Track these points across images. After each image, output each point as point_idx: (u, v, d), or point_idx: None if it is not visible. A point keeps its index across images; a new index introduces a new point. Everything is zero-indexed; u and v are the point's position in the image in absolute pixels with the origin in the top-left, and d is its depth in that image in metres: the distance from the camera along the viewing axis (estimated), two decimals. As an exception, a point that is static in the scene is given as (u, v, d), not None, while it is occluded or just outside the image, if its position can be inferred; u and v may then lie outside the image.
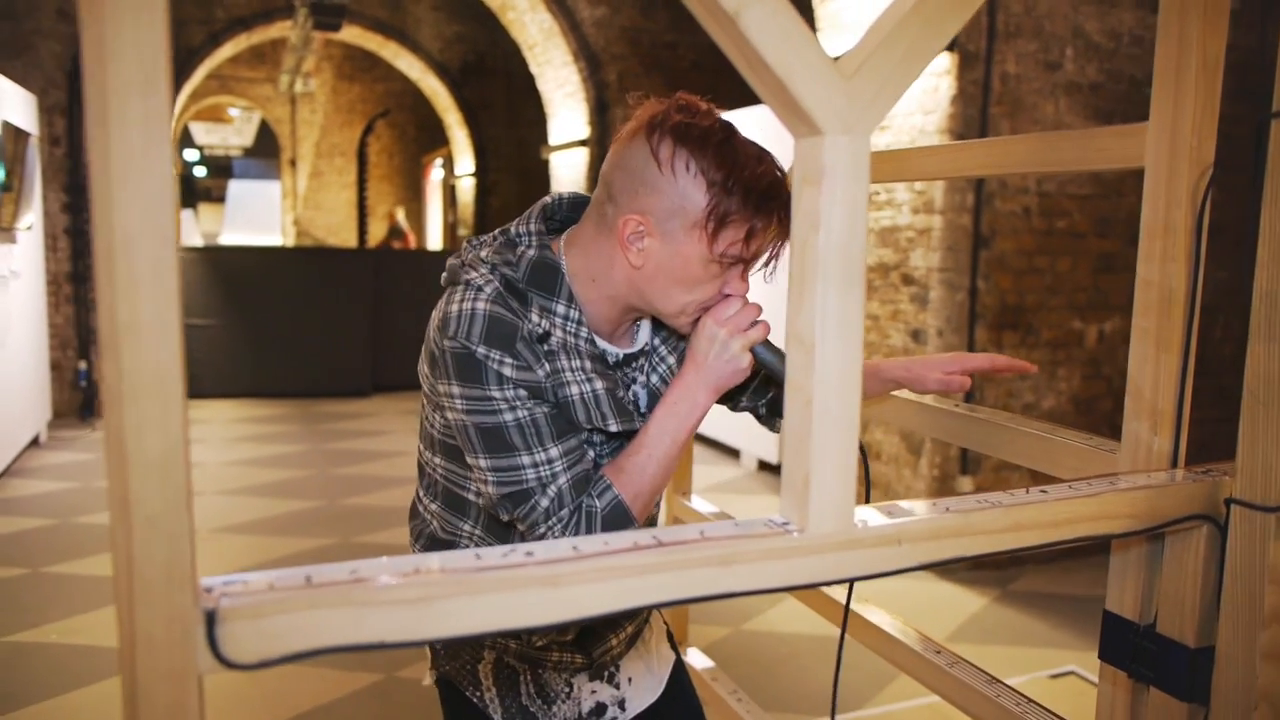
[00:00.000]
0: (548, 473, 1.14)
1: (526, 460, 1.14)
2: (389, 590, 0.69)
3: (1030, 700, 1.25)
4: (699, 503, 2.19)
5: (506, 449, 1.13)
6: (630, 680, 1.41)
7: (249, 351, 7.85)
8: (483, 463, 1.15)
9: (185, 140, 20.57)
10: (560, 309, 1.18)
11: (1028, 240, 4.10)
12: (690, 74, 8.24)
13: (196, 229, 21.05)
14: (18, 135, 5.24)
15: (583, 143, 8.15)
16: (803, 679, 3.10)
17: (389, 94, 16.08)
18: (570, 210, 1.28)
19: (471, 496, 1.25)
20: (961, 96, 3.89)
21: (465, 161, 13.86)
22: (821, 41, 4.68)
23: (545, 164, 9.20)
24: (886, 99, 0.78)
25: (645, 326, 1.29)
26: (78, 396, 6.74)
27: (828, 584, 0.83)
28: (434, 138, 15.34)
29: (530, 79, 9.02)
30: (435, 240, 16.97)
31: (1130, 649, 1.08)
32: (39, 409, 6.00)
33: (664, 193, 1.12)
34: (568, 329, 1.18)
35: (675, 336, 1.29)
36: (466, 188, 14.13)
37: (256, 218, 20.84)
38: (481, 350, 1.12)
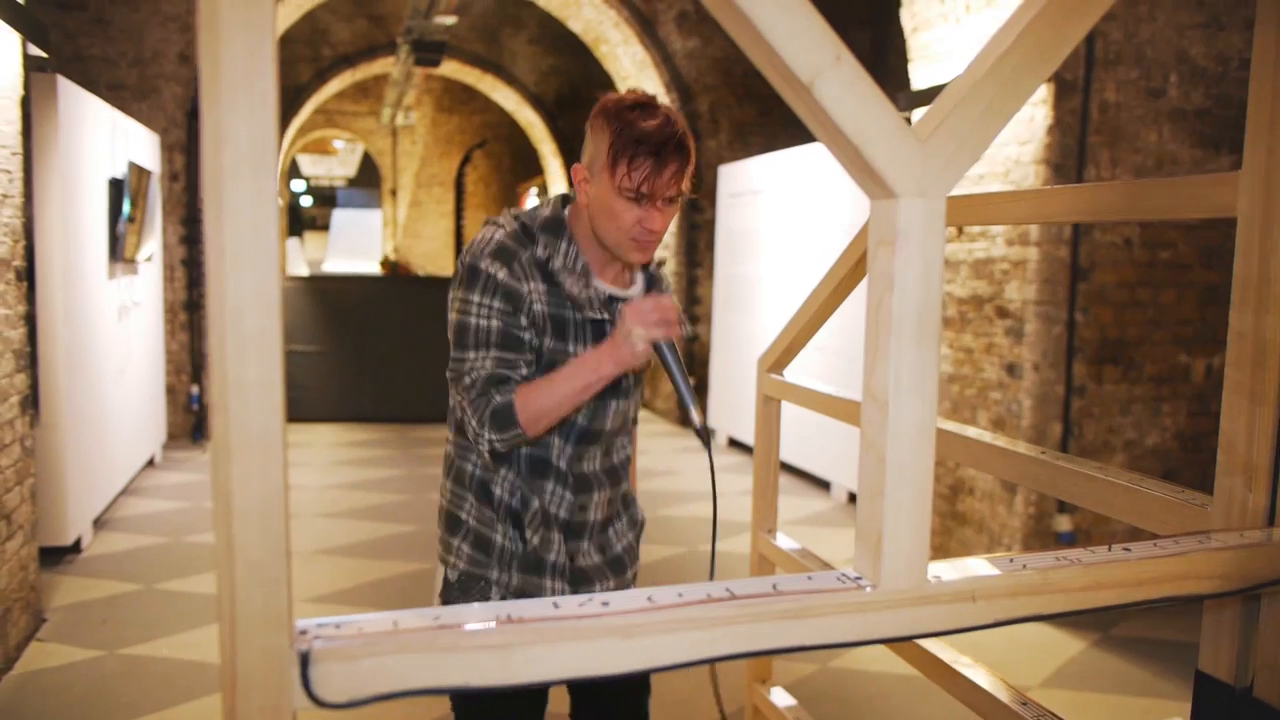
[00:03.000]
0: (478, 365, 1.52)
1: (470, 355, 1.53)
2: (471, 637, 0.72)
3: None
4: (783, 540, 2.19)
5: (461, 345, 1.54)
6: None
7: (352, 377, 8.13)
8: (452, 354, 1.55)
9: (293, 171, 21.43)
10: (563, 245, 1.59)
11: (1129, 272, 3.98)
12: (781, 102, 8.22)
13: (302, 256, 21.87)
14: (141, 173, 5.56)
15: (674, 173, 8.23)
16: (891, 720, 3.04)
17: (486, 125, 16.52)
18: None
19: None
20: (1058, 126, 3.81)
21: (559, 188, 14.10)
22: (912, 71, 4.60)
23: (637, 193, 9.30)
24: (962, 162, 0.79)
25: (639, 282, 1.68)
26: (190, 419, 7.06)
27: (900, 640, 0.83)
28: (529, 167, 15.67)
29: (623, 110, 9.15)
30: (529, 267, 17.23)
31: (1226, 713, 1.04)
32: (155, 431, 6.31)
33: (591, 144, 1.54)
34: (567, 258, 1.58)
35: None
36: (560, 216, 14.35)
37: (358, 245, 21.56)
38: (484, 263, 1.53)
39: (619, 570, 1.76)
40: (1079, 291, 3.91)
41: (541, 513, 1.63)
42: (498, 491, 1.64)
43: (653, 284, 1.72)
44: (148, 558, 4.52)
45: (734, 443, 7.53)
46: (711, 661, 0.77)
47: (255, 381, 0.64)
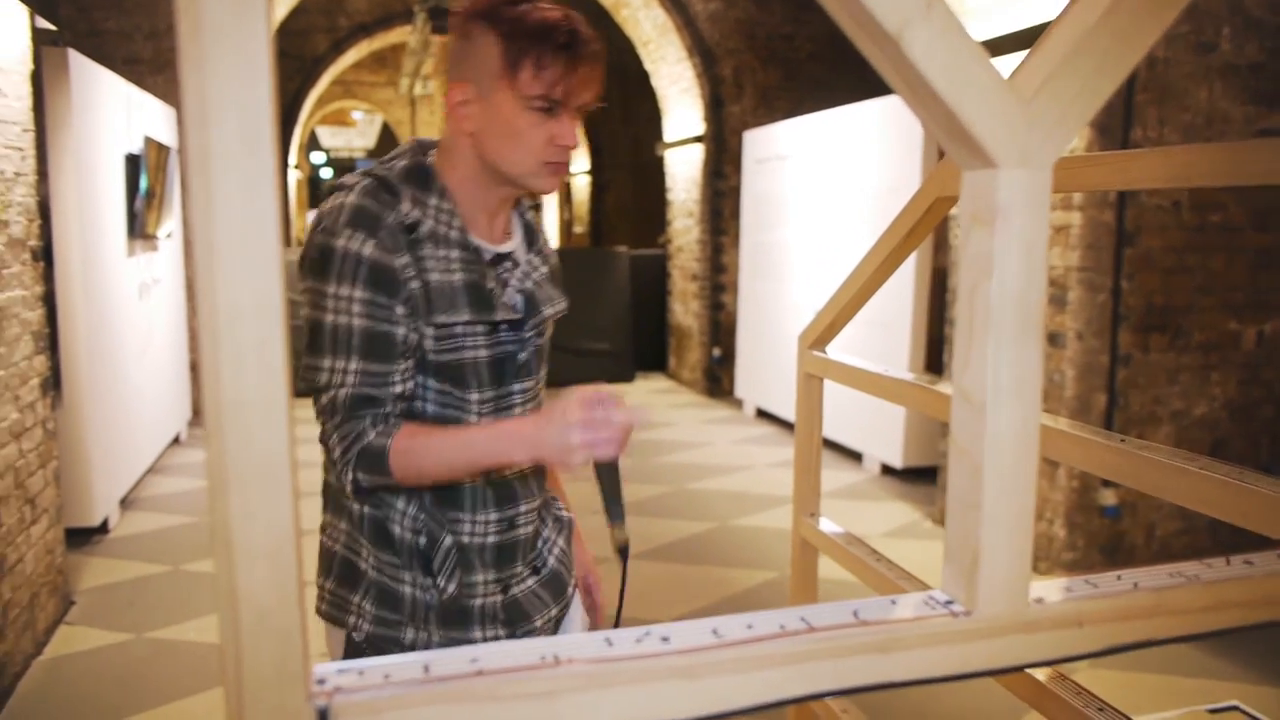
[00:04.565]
0: (337, 379, 1.22)
1: (326, 364, 1.22)
2: (513, 683, 0.63)
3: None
4: (826, 523, 2.09)
5: (315, 349, 1.23)
6: None
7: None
8: (304, 358, 1.25)
9: (312, 143, 21.37)
10: (433, 201, 1.28)
11: (1177, 236, 3.82)
12: (807, 64, 8.05)
13: (324, 229, 21.83)
14: (159, 149, 5.48)
15: (698, 139, 8.07)
16: (932, 701, 2.96)
17: (505, 94, 16.32)
18: None
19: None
20: (1104, 84, 3.64)
21: (580, 159, 13.95)
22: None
23: (660, 161, 9.15)
24: (1070, 126, 0.68)
25: (518, 232, 1.41)
26: (215, 396, 7.04)
27: (998, 672, 0.73)
28: (549, 136, 15.51)
29: (644, 76, 8.98)
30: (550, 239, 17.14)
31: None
32: (180, 409, 6.28)
33: (471, 57, 1.24)
34: (439, 219, 1.28)
35: (543, 249, 1.44)
36: (581, 185, 14.24)
37: (380, 218, 21.50)
38: (341, 239, 1.20)
39: (558, 590, 1.48)
40: (1124, 257, 3.76)
41: (456, 549, 1.33)
42: (397, 530, 1.32)
43: (532, 235, 1.44)
44: (175, 537, 4.50)
45: (762, 413, 7.44)
46: (787, 704, 0.67)
47: (256, 401, 0.55)
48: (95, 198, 4.42)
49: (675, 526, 4.73)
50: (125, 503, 4.91)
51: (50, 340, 3.63)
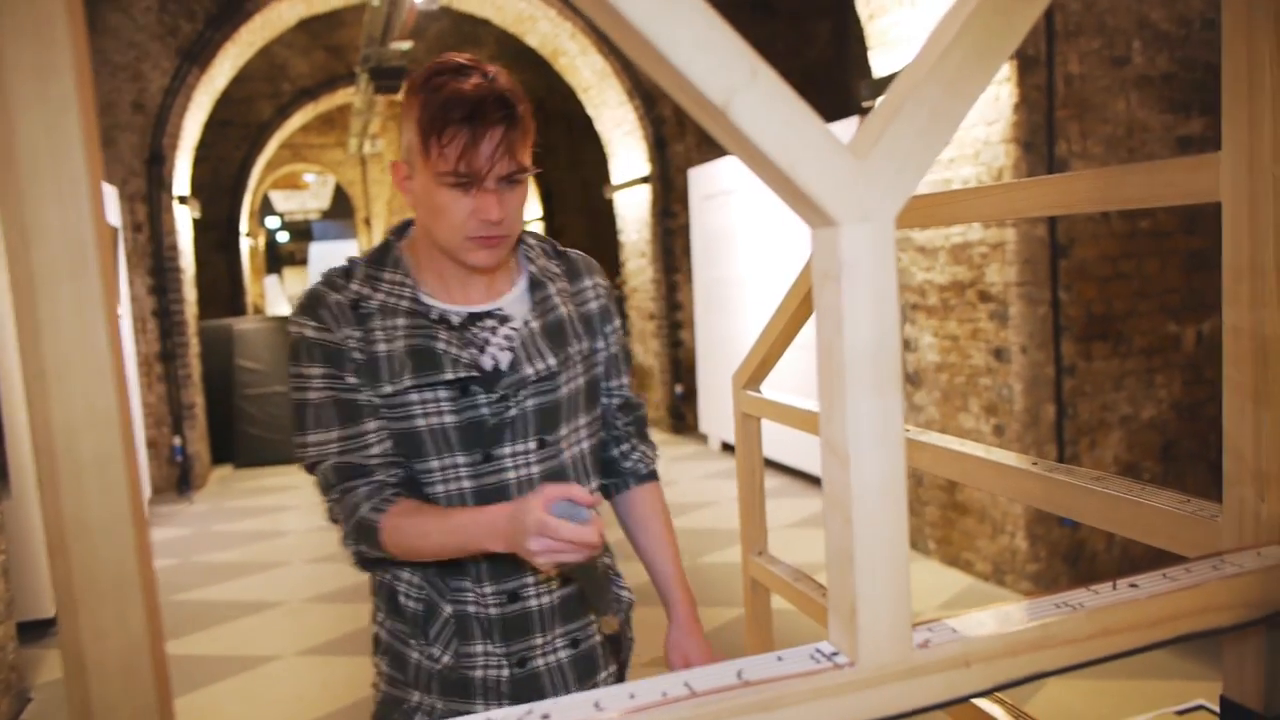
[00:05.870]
0: (323, 452, 1.27)
1: (311, 439, 1.28)
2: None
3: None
4: (776, 561, 2.09)
5: (299, 427, 1.29)
6: None
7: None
8: (293, 436, 1.31)
9: (266, 208, 21.29)
10: (387, 275, 1.31)
11: (1109, 245, 3.90)
12: (747, 100, 8.16)
13: (282, 293, 21.71)
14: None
15: (644, 180, 8.14)
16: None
17: (455, 146, 16.36)
18: None
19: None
20: (1025, 103, 3.73)
21: (532, 206, 14.02)
22: (872, 59, 4.52)
23: (610, 203, 9.22)
24: (910, 177, 0.70)
25: (518, 287, 1.37)
26: (174, 471, 6.94)
27: None
28: (501, 185, 15.55)
29: (589, 121, 9.07)
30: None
31: (1255, 743, 0.95)
32: (139, 486, 6.17)
33: (404, 131, 1.26)
34: (392, 291, 1.29)
35: (548, 300, 1.37)
36: (535, 231, 14.26)
37: (338, 277, 21.38)
38: (294, 324, 1.29)
39: (587, 672, 1.39)
40: (1060, 269, 3.83)
41: (454, 620, 1.31)
42: (401, 598, 1.32)
43: (537, 288, 1.37)
44: (136, 622, 4.40)
45: (727, 447, 7.45)
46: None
47: (99, 519, 0.55)
48: (35, 283, 4.37)
49: (641, 568, 4.70)
50: (84, 589, 4.80)
51: (-7, 432, 3.58)
